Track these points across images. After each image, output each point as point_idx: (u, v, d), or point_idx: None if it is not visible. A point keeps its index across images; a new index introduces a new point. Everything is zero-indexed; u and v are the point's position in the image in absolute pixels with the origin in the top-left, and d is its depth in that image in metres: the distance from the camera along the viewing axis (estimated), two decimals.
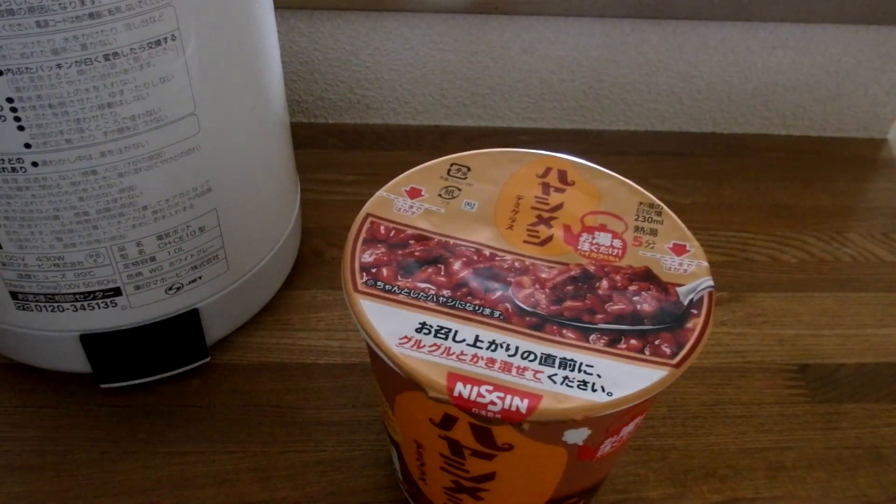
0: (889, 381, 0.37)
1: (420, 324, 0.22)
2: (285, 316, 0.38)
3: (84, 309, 0.30)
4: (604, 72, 0.51)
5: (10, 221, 0.27)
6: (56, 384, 0.34)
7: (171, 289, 0.31)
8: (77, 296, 0.30)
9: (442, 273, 0.24)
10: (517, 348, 0.22)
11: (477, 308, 0.23)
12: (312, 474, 0.31)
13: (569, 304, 0.23)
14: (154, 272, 0.31)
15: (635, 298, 0.23)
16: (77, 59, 0.24)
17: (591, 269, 0.24)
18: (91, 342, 0.31)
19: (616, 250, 0.25)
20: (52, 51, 0.24)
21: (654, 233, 0.25)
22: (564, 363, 0.21)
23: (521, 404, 0.20)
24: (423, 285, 0.23)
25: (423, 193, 0.26)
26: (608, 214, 0.26)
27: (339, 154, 0.49)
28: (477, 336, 0.22)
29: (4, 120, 0.25)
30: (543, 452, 0.22)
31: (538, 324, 0.22)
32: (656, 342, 0.22)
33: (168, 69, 0.26)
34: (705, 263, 0.24)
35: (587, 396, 0.21)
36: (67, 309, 0.30)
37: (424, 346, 0.22)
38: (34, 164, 0.26)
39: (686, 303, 0.23)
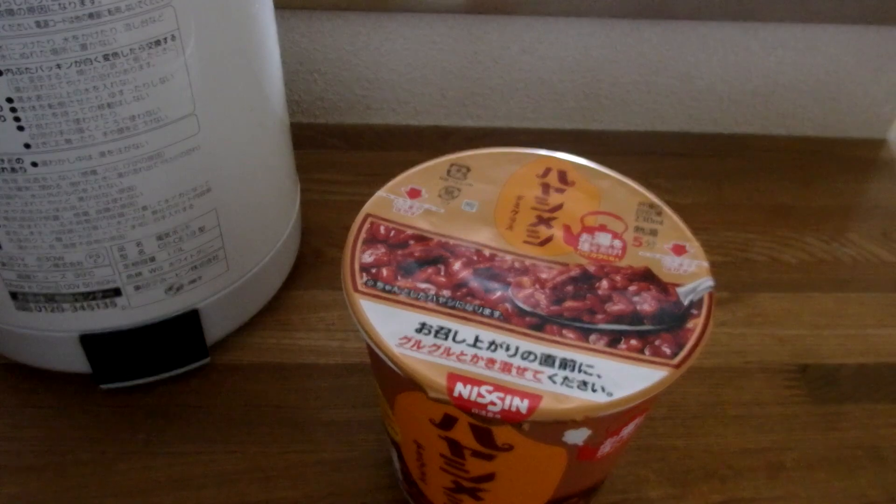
0: (889, 381, 0.37)
1: (420, 324, 0.22)
2: (285, 316, 0.38)
3: (84, 309, 0.30)
4: (604, 72, 0.51)
5: (9, 222, 0.27)
6: (56, 384, 0.34)
7: (171, 289, 0.31)
8: (77, 296, 0.30)
9: (442, 273, 0.24)
10: (517, 348, 0.22)
11: (477, 308, 0.23)
12: (312, 474, 0.31)
13: (569, 304, 0.23)
14: (154, 272, 0.31)
15: (635, 299, 0.23)
16: (77, 59, 0.24)
17: (591, 269, 0.24)
18: (91, 342, 0.31)
19: (616, 250, 0.25)
20: (52, 51, 0.24)
21: (654, 233, 0.25)
22: (564, 363, 0.21)
23: (521, 404, 0.20)
24: (423, 285, 0.23)
25: (422, 194, 0.26)
26: (608, 215, 0.26)
27: (339, 154, 0.49)
28: (477, 336, 0.22)
29: (4, 120, 0.25)
30: (543, 453, 0.22)
31: (538, 324, 0.22)
32: (656, 342, 0.22)
33: (168, 69, 0.26)
34: (705, 264, 0.24)
35: (587, 397, 0.21)
36: (67, 309, 0.30)
37: (424, 346, 0.22)
38: (34, 164, 0.26)
39: (686, 303, 0.23)
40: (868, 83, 0.52)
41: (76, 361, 0.32)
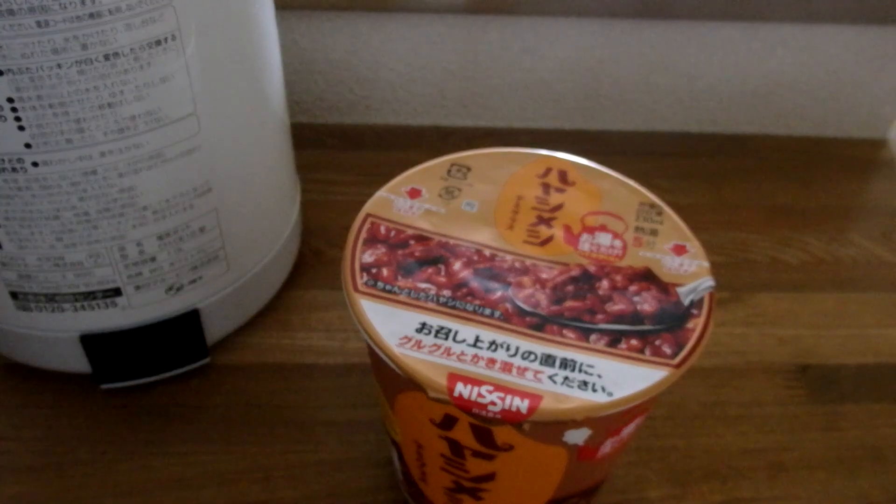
0: (890, 381, 0.37)
1: (420, 324, 0.22)
2: (285, 316, 0.38)
3: (84, 309, 0.30)
4: (604, 72, 0.51)
5: (10, 222, 0.27)
6: (56, 384, 0.34)
7: (171, 289, 0.31)
8: (77, 296, 0.30)
9: (442, 273, 0.24)
10: (517, 348, 0.22)
11: (477, 308, 0.23)
12: (312, 474, 0.31)
13: (569, 304, 0.23)
14: (154, 272, 0.31)
15: (636, 299, 0.23)
16: (77, 59, 0.24)
17: (592, 269, 0.24)
18: (91, 342, 0.31)
19: (616, 250, 0.25)
20: (53, 51, 0.24)
21: (654, 233, 0.25)
22: (565, 363, 0.21)
23: (522, 404, 0.20)
24: (423, 285, 0.23)
25: (423, 194, 0.26)
26: (608, 215, 0.26)
27: (339, 154, 0.49)
28: (477, 336, 0.22)
29: (5, 120, 0.25)
30: (544, 453, 0.22)
31: (538, 324, 0.22)
32: (657, 342, 0.22)
33: (168, 69, 0.26)
34: (706, 263, 0.24)
35: (588, 397, 0.21)
36: (68, 309, 0.30)
37: (425, 346, 0.22)
38: (34, 164, 0.26)
39: (686, 303, 0.23)
40: (868, 83, 0.52)
41: (76, 361, 0.32)
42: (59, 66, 0.24)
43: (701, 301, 0.23)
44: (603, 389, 0.21)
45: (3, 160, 0.26)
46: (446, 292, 0.23)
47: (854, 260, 0.44)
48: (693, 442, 0.34)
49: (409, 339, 0.22)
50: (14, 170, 0.26)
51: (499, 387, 0.21)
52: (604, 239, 0.25)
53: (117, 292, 0.30)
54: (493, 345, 0.22)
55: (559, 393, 0.21)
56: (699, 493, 0.32)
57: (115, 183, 0.27)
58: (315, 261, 0.41)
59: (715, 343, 0.38)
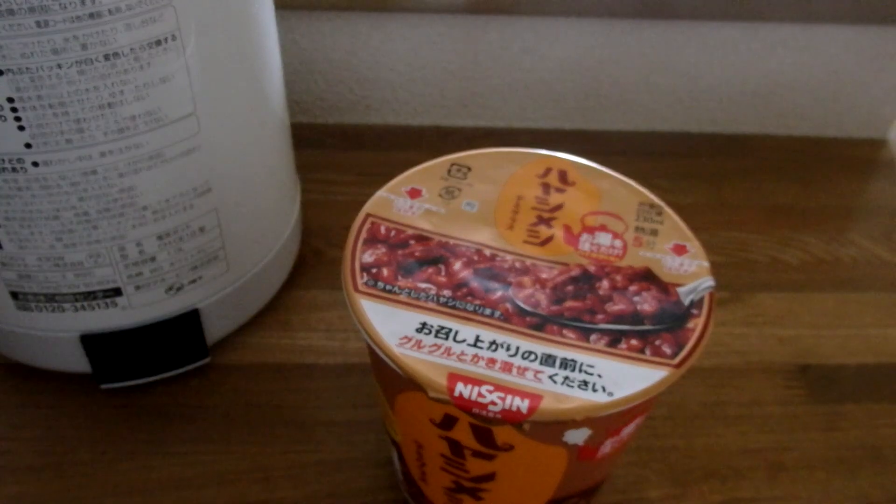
0: (890, 381, 0.37)
1: (420, 324, 0.22)
2: (285, 316, 0.38)
3: (84, 309, 0.30)
4: (604, 72, 0.51)
5: (10, 222, 0.27)
6: (56, 384, 0.34)
7: (171, 289, 0.31)
8: (77, 296, 0.30)
9: (442, 273, 0.24)
10: (518, 348, 0.22)
11: (477, 308, 0.23)
12: (312, 474, 0.31)
13: (569, 304, 0.23)
14: (154, 272, 0.31)
15: (636, 299, 0.23)
16: (77, 59, 0.24)
17: (592, 269, 0.24)
18: (91, 342, 0.31)
19: (616, 250, 0.25)
20: (53, 51, 0.24)
21: (654, 233, 0.25)
22: (565, 363, 0.21)
23: (522, 404, 0.20)
24: (423, 285, 0.23)
25: (423, 194, 0.26)
26: (608, 215, 0.26)
27: (339, 154, 0.49)
28: (477, 336, 0.22)
29: (5, 120, 0.25)
30: (544, 453, 0.22)
31: (539, 324, 0.22)
32: (657, 342, 0.22)
33: (168, 69, 0.26)
34: (706, 263, 0.24)
35: (588, 397, 0.21)
36: (68, 309, 0.30)
37: (425, 346, 0.22)
38: (34, 164, 0.26)
39: (686, 303, 0.23)
40: (868, 83, 0.52)
41: (76, 361, 0.32)
42: (59, 66, 0.24)
43: (701, 301, 0.23)
44: (603, 389, 0.21)
45: (3, 160, 0.26)
46: (446, 292, 0.23)
47: (854, 260, 0.44)
48: (693, 442, 0.34)
49: (409, 339, 0.22)
50: (14, 170, 0.26)
51: (499, 387, 0.21)
52: (604, 239, 0.25)
53: (117, 292, 0.30)
54: (494, 345, 0.22)
55: (559, 393, 0.21)
56: (699, 493, 0.32)
57: (115, 183, 0.27)
58: (315, 261, 0.41)
59: (715, 343, 0.38)
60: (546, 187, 0.27)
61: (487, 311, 0.23)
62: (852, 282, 0.42)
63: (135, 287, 0.30)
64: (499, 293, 0.23)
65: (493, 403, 0.20)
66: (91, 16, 0.24)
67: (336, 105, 0.52)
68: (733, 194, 0.48)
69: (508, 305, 0.23)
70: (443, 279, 0.23)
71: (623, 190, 0.27)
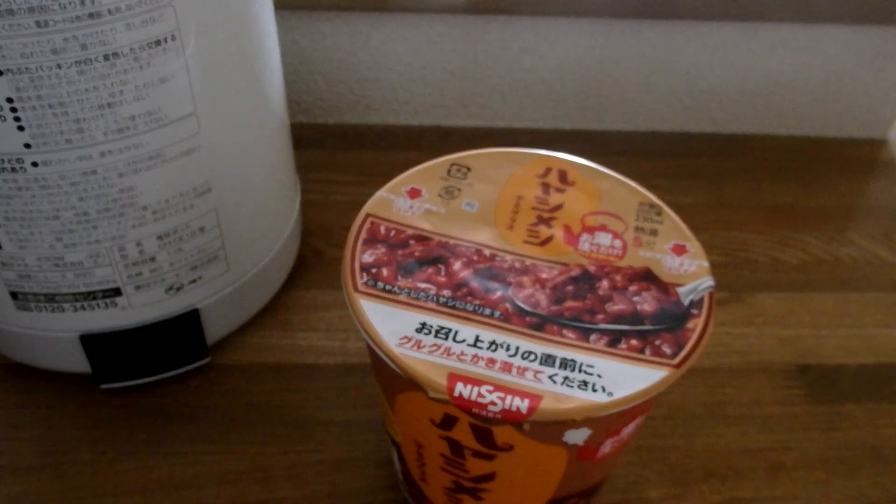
0: (890, 381, 0.37)
1: (420, 324, 0.22)
2: (285, 316, 0.38)
3: (84, 309, 0.30)
4: (604, 72, 0.51)
5: (10, 221, 0.27)
6: (56, 384, 0.34)
7: (171, 289, 0.31)
8: (77, 296, 0.30)
9: (442, 273, 0.24)
10: (517, 348, 0.22)
11: (477, 308, 0.23)
12: (312, 474, 0.31)
13: (569, 304, 0.23)
14: (154, 272, 0.31)
15: (635, 299, 0.23)
16: (77, 59, 0.24)
17: (592, 269, 0.24)
18: (91, 342, 0.31)
19: (616, 250, 0.25)
20: (52, 51, 0.24)
21: (654, 233, 0.25)
22: (565, 363, 0.21)
23: (522, 404, 0.20)
24: (423, 285, 0.23)
25: (423, 193, 0.26)
26: (608, 215, 0.26)
27: (339, 154, 0.49)
28: (477, 336, 0.22)
29: (4, 120, 0.25)
30: (544, 453, 0.22)
31: (538, 324, 0.22)
32: (657, 342, 0.22)
33: (168, 69, 0.26)
34: (706, 263, 0.24)
35: (588, 397, 0.21)
36: (67, 309, 0.30)
37: (425, 346, 0.22)
38: (34, 164, 0.26)
39: (686, 303, 0.23)
40: (868, 83, 0.52)
41: (76, 361, 0.32)
42: (58, 66, 0.24)
43: (701, 301, 0.23)
44: (603, 389, 0.21)
45: (2, 160, 0.26)
46: (446, 292, 0.23)
47: (854, 260, 0.44)
48: (693, 442, 0.34)
49: (409, 339, 0.22)
50: (14, 170, 0.26)
51: (499, 387, 0.21)
52: (604, 239, 0.25)
53: (117, 292, 0.30)
54: (493, 345, 0.22)
55: (559, 393, 0.21)
56: (699, 493, 0.32)
57: (114, 183, 0.27)
58: (315, 261, 0.41)
59: (715, 343, 0.38)
60: (546, 187, 0.27)
61: (487, 311, 0.23)
62: (852, 282, 0.42)
63: (135, 287, 0.30)
64: (499, 293, 0.23)
65: (493, 403, 0.20)
66: (91, 16, 0.24)
67: (336, 105, 0.52)
68: (733, 194, 0.48)
69: (508, 305, 0.23)
70: (443, 279, 0.23)
71: (623, 190, 0.27)
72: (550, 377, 0.21)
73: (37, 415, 0.33)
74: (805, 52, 0.50)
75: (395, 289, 0.23)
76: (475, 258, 0.24)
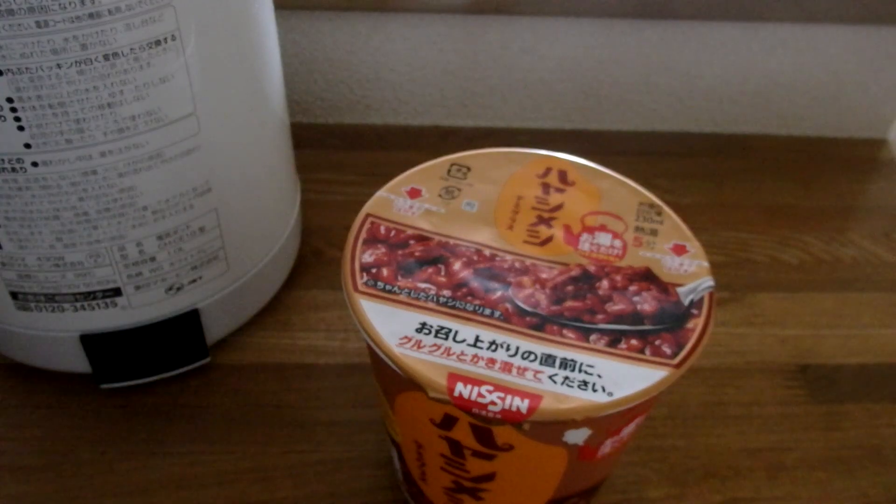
0: (890, 381, 0.37)
1: (420, 324, 0.22)
2: (285, 316, 0.38)
3: (84, 309, 0.30)
4: (604, 72, 0.51)
5: (10, 221, 0.27)
6: (56, 384, 0.34)
7: (171, 289, 0.31)
8: (77, 296, 0.30)
9: (442, 273, 0.24)
10: (517, 348, 0.22)
11: (477, 308, 0.23)
12: (312, 474, 0.31)
13: (569, 304, 0.23)
14: (154, 272, 0.31)
15: (635, 299, 0.23)
16: (77, 59, 0.24)
17: (592, 269, 0.24)
18: (91, 342, 0.31)
19: (616, 250, 0.25)
20: (52, 51, 0.24)
21: (654, 233, 0.25)
22: (565, 363, 0.21)
23: (522, 404, 0.20)
24: (423, 285, 0.23)
25: (423, 193, 0.26)
26: (608, 215, 0.26)
27: (339, 154, 0.49)
28: (477, 336, 0.22)
29: (4, 120, 0.25)
30: (544, 453, 0.22)
31: (538, 324, 0.22)
32: (657, 342, 0.22)
33: (168, 69, 0.26)
34: (706, 263, 0.24)
35: (588, 397, 0.21)
36: (68, 309, 0.30)
37: (425, 346, 0.22)
38: (34, 164, 0.26)
39: (686, 303, 0.23)
40: (868, 83, 0.52)
41: (76, 361, 0.32)
42: (58, 66, 0.24)
43: (701, 301, 0.23)
44: (603, 389, 0.21)
45: (2, 160, 0.26)
46: (446, 292, 0.23)
47: (854, 260, 0.44)
48: (693, 442, 0.34)
49: (409, 339, 0.22)
50: (14, 170, 0.26)
51: (499, 387, 0.21)
52: (604, 239, 0.25)
53: (117, 292, 0.30)
54: (493, 345, 0.22)
55: (559, 393, 0.21)
56: (699, 492, 0.32)
57: (114, 183, 0.27)
58: (315, 261, 0.41)
59: (715, 343, 0.38)
60: (546, 187, 0.27)
61: (487, 311, 0.23)
62: (852, 282, 0.42)
63: (135, 287, 0.30)
64: (499, 293, 0.23)
65: (493, 403, 0.20)
66: (91, 16, 0.24)
67: (336, 105, 0.52)
68: (733, 194, 0.48)
69: (508, 305, 0.23)
70: (443, 279, 0.23)
71: (623, 190, 0.27)
72: (550, 377, 0.21)
73: (37, 415, 0.33)
74: (805, 53, 0.50)
75: (395, 289, 0.23)
76: (475, 258, 0.24)
